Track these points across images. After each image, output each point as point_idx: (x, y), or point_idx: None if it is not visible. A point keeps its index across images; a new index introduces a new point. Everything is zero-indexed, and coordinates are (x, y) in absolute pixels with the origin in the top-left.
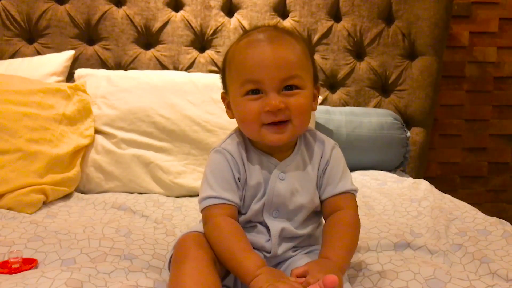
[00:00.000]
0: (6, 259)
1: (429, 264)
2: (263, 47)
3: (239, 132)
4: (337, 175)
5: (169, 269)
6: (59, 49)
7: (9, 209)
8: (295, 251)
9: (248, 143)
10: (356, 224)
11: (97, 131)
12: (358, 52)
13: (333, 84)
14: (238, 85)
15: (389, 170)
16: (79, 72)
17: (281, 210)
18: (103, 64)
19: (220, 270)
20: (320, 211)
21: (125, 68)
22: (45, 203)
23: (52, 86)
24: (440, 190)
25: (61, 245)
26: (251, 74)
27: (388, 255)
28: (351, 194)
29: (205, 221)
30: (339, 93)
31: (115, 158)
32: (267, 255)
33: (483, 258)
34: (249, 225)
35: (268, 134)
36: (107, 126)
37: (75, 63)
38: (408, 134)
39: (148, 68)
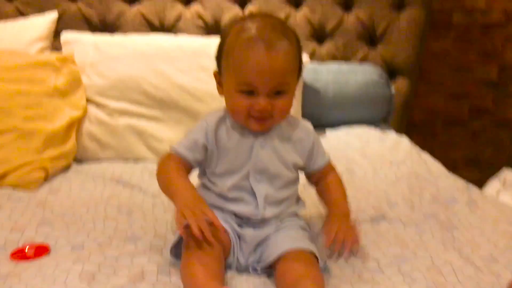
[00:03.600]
0: (20, 245)
1: (400, 240)
2: (262, 55)
3: (224, 110)
4: (319, 152)
5: (171, 253)
6: (40, 7)
7: (14, 186)
8: (281, 221)
9: (235, 123)
10: (341, 180)
11: (89, 101)
12: (346, 3)
13: (321, 37)
14: (234, 82)
15: (373, 124)
16: (65, 37)
17: (263, 174)
18: (87, 22)
19: (224, 253)
20: (298, 181)
21: (110, 26)
22: (46, 178)
23: (41, 59)
24: (422, 135)
25: (69, 230)
26: (247, 78)
27: (364, 230)
28: (329, 161)
29: (162, 158)
30: (327, 46)
31: (109, 129)
32: (256, 220)
33: (449, 227)
34: (236, 196)
35: (253, 123)
36: (99, 95)
37: (59, 21)
38: (393, 91)
39: (133, 25)
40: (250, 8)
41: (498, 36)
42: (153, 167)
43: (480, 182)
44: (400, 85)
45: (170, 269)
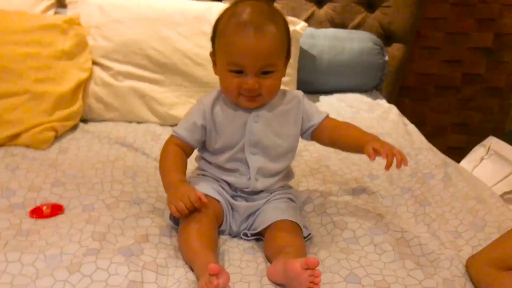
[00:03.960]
0: (37, 203)
1: (376, 213)
2: (248, 38)
3: (219, 91)
4: (313, 111)
5: (170, 218)
6: None
7: (27, 146)
8: (271, 193)
9: (228, 100)
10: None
11: (94, 63)
12: None
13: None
14: (225, 61)
15: (366, 91)
16: None
17: (257, 147)
18: None
19: (217, 221)
20: (293, 152)
21: None
22: (56, 138)
23: (49, 22)
24: (414, 99)
25: (80, 191)
26: (236, 58)
27: (345, 201)
28: (327, 115)
29: (166, 141)
30: (326, 9)
31: (113, 91)
32: (247, 190)
33: (423, 201)
34: (232, 167)
35: (243, 101)
36: (104, 58)
37: None
38: (386, 58)
39: None
40: None
41: (496, 3)
42: (154, 129)
43: (467, 146)
44: (395, 51)
45: (170, 232)
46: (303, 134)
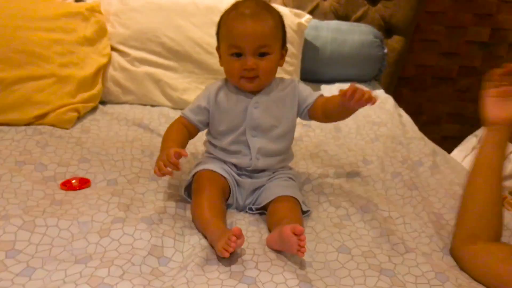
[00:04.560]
0: (66, 177)
1: (368, 194)
2: (246, 22)
3: (225, 80)
4: (307, 92)
5: (184, 192)
6: None
7: (52, 125)
8: (273, 173)
9: (232, 87)
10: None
11: (113, 49)
12: None
13: None
14: (226, 47)
15: (365, 81)
16: None
17: (257, 130)
18: None
19: (224, 196)
20: (291, 134)
21: None
22: (78, 118)
23: (72, 9)
24: (413, 89)
25: (104, 167)
26: (235, 41)
27: (340, 183)
28: (321, 95)
29: (174, 120)
30: (330, 1)
31: (130, 75)
32: (249, 169)
33: (411, 186)
34: (235, 149)
35: (244, 83)
36: (121, 44)
37: None
38: (385, 50)
39: None
40: None
41: None
42: (168, 112)
43: (460, 135)
44: (395, 43)
45: (185, 206)
46: (300, 114)
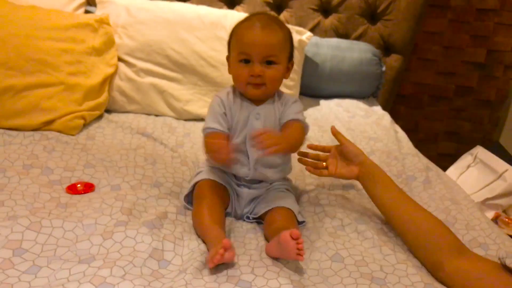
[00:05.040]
0: (72, 181)
1: (362, 206)
2: (256, 32)
3: (233, 87)
4: (294, 110)
5: (184, 200)
6: None
7: (59, 131)
8: (271, 184)
9: (238, 93)
10: (301, 131)
11: (119, 60)
12: None
13: (326, 9)
14: (236, 53)
15: (363, 97)
16: None
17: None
18: None
19: (224, 204)
20: None
21: None
22: (84, 125)
23: (82, 20)
24: (410, 107)
25: (108, 173)
26: (244, 48)
27: (335, 195)
28: (297, 120)
29: (203, 143)
30: (331, 19)
31: (135, 85)
32: (247, 178)
33: None
34: (236, 157)
35: (250, 89)
36: (128, 55)
37: None
38: (384, 68)
39: None
40: None
41: (490, 21)
42: (170, 122)
43: (456, 153)
44: (393, 61)
45: (185, 212)
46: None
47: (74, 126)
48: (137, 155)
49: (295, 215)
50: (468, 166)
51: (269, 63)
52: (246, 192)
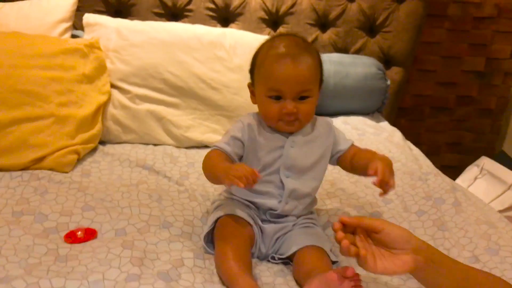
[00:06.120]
0: (70, 228)
1: None
2: (288, 66)
3: (256, 114)
4: (341, 138)
5: (204, 241)
6: None
7: (51, 169)
8: (297, 218)
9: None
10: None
11: (112, 86)
12: None
13: (324, 24)
14: (265, 88)
15: (368, 113)
16: (86, 19)
17: (291, 170)
18: (104, 0)
19: (250, 244)
20: (322, 175)
21: (126, 4)
22: (78, 160)
23: (70, 46)
24: (411, 119)
25: (111, 216)
26: (276, 85)
27: None
28: (353, 143)
29: (206, 155)
30: (329, 33)
31: (131, 113)
32: (275, 212)
33: (441, 226)
34: (262, 189)
35: (282, 126)
36: (122, 81)
37: None
38: (388, 82)
39: (147, 4)
40: None
41: (488, 29)
42: (171, 151)
43: (460, 165)
44: (394, 74)
45: (203, 255)
46: (330, 158)
47: (67, 162)
48: (140, 192)
49: (327, 254)
50: (476, 178)
51: (303, 98)
52: (272, 228)
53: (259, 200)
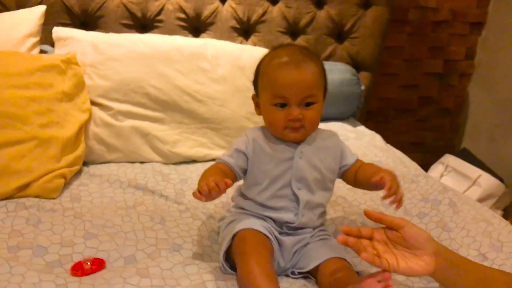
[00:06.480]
0: (74, 259)
1: None
2: (291, 72)
3: (261, 128)
4: (347, 152)
5: (224, 259)
6: None
7: (37, 196)
8: (314, 229)
9: (272, 136)
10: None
11: (92, 103)
12: (319, 1)
13: (294, 32)
14: (269, 96)
15: (343, 119)
16: (57, 32)
17: (302, 182)
18: (69, 12)
19: (272, 259)
20: (332, 185)
21: (93, 16)
22: (65, 184)
23: (47, 62)
24: (376, 122)
25: (116, 242)
26: (280, 92)
27: None
28: (358, 157)
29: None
30: (300, 41)
31: (114, 131)
32: (293, 225)
33: (445, 227)
34: (276, 204)
35: (288, 134)
36: (102, 98)
37: None
38: (362, 87)
39: (115, 15)
40: (229, 3)
41: (444, 32)
42: (160, 168)
43: (424, 163)
44: (363, 79)
45: (223, 275)
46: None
47: (54, 187)
48: (140, 215)
49: (350, 264)
50: (441, 176)
51: (308, 104)
52: (290, 241)
53: (274, 215)
